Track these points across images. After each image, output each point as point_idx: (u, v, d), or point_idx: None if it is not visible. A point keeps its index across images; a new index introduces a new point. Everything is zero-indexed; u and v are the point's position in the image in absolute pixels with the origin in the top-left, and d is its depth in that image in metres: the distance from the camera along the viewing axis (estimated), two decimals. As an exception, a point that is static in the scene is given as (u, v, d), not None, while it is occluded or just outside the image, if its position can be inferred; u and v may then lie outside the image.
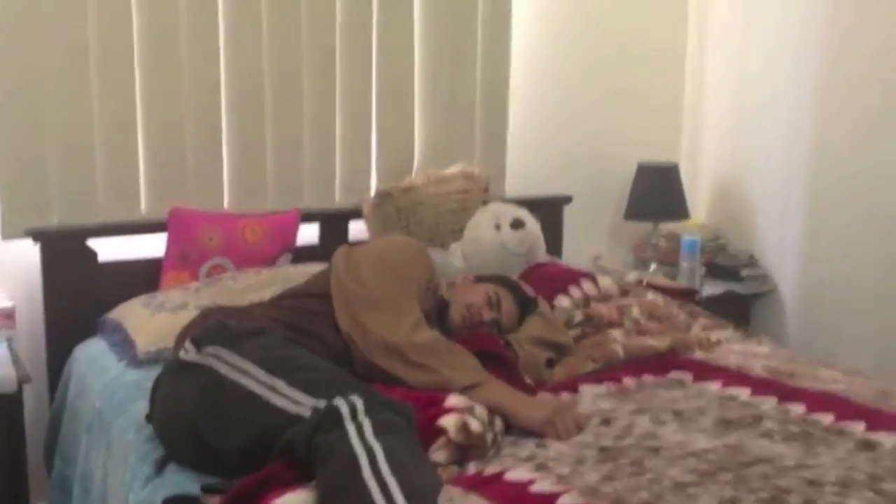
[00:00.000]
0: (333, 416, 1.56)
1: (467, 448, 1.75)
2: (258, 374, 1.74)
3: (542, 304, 2.42)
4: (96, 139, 2.73)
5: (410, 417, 1.66)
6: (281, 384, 1.71)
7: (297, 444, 1.57)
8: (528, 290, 2.41)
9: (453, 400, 1.82)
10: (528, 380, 2.11)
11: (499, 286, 2.33)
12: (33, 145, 2.65)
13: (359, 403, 1.58)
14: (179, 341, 2.02)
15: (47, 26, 2.63)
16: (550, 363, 2.28)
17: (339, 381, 1.73)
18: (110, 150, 2.76)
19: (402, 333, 1.99)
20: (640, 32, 3.65)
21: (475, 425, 1.77)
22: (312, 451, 1.55)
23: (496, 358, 2.09)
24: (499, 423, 1.86)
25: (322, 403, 1.62)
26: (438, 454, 1.73)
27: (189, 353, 1.87)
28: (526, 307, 2.35)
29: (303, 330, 2.03)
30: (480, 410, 1.82)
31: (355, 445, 1.51)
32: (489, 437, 1.80)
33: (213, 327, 1.93)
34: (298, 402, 1.67)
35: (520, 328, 2.31)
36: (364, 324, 2.02)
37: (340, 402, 1.58)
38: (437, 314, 2.25)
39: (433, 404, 1.81)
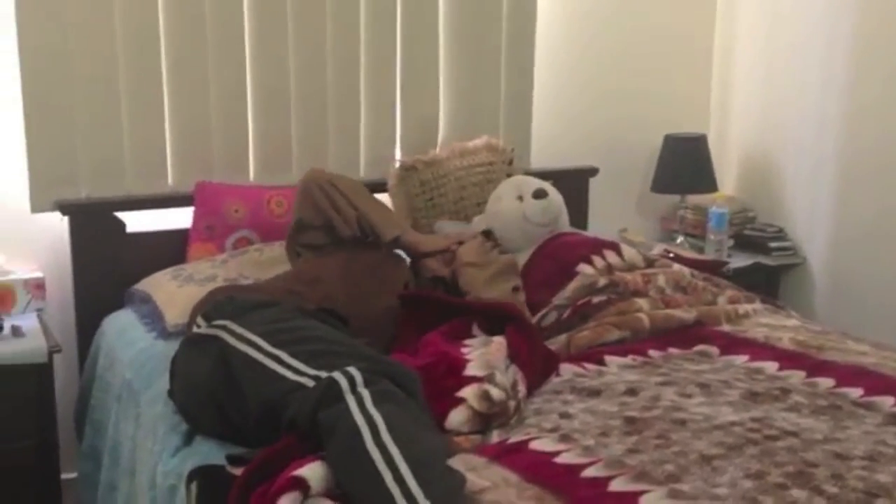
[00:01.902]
0: (333, 390, 1.56)
1: (489, 416, 1.75)
2: (263, 344, 1.75)
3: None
4: (123, 114, 2.75)
5: (414, 385, 1.65)
6: (284, 355, 1.71)
7: (300, 421, 1.58)
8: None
9: (473, 369, 1.81)
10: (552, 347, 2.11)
11: None
12: (61, 120, 2.67)
13: (357, 376, 1.58)
14: (192, 318, 2.05)
15: (74, 4, 2.63)
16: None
17: (342, 350, 1.73)
18: (137, 125, 2.77)
19: None
20: (668, 2, 3.60)
21: (496, 393, 1.76)
22: (316, 428, 1.55)
23: (517, 322, 2.07)
24: (521, 390, 1.86)
25: (323, 374, 1.62)
26: (460, 423, 1.72)
27: (201, 328, 1.90)
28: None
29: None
30: (501, 378, 1.81)
31: (356, 417, 1.50)
32: (511, 404, 1.79)
33: (222, 301, 1.97)
34: (301, 372, 1.67)
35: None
36: None
37: (339, 376, 1.58)
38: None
39: (453, 374, 1.80)
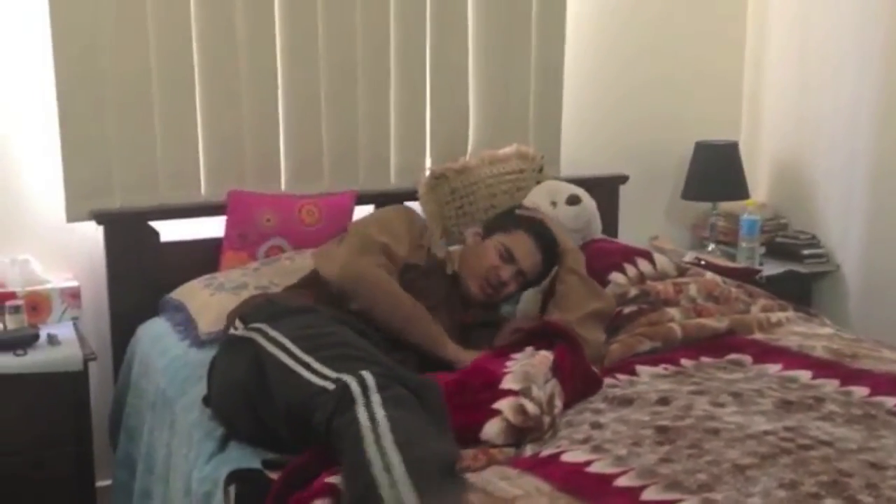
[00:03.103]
0: (346, 396, 1.57)
1: (524, 430, 1.75)
2: (294, 349, 1.77)
3: (573, 255, 2.38)
4: (157, 124, 2.78)
5: (431, 392, 1.64)
6: (312, 360, 1.73)
7: (320, 431, 1.58)
8: (555, 229, 2.44)
9: (510, 383, 1.82)
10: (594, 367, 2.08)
11: (507, 232, 2.34)
12: (96, 131, 2.70)
13: (370, 380, 1.58)
14: (229, 322, 2.09)
15: (108, 15, 2.67)
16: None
17: (365, 356, 1.73)
18: (170, 135, 2.80)
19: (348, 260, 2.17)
20: (699, 8, 3.58)
21: (531, 407, 1.77)
22: (332, 437, 1.56)
23: (567, 340, 2.06)
24: (558, 406, 1.86)
25: (345, 377, 1.62)
26: (495, 434, 1.73)
27: (238, 330, 1.94)
28: (548, 243, 2.36)
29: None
30: (538, 392, 1.82)
31: (362, 421, 1.51)
32: (546, 419, 1.80)
33: (260, 304, 2.03)
34: (325, 377, 1.68)
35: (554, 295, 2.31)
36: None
37: (350, 380, 1.58)
38: (451, 288, 2.30)
39: (490, 387, 1.81)
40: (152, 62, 2.75)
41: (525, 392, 1.80)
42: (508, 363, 1.93)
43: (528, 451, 1.74)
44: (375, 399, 1.54)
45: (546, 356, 1.97)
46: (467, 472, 1.62)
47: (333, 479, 1.51)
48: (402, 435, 1.47)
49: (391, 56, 3.05)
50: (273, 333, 1.83)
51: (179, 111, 2.81)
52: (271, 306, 1.99)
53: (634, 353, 2.23)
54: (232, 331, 1.99)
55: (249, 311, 2.00)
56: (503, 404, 1.76)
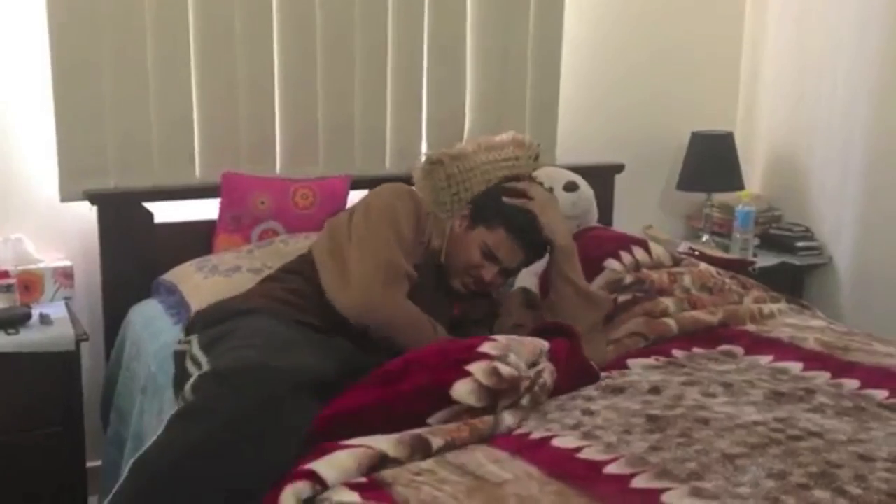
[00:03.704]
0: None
1: (498, 392, 1.73)
2: (201, 359, 1.82)
3: (565, 255, 2.23)
4: (152, 105, 2.77)
5: (258, 398, 1.59)
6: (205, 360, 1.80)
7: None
8: (549, 215, 2.24)
9: (487, 348, 1.80)
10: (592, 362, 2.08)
11: (490, 228, 2.19)
12: (91, 111, 2.69)
13: (193, 379, 1.66)
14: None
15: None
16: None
17: (241, 345, 1.76)
18: (166, 116, 2.79)
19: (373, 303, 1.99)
20: (697, -1, 3.59)
21: (506, 370, 1.75)
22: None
23: (561, 332, 2.05)
24: (546, 380, 1.84)
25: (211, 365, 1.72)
26: (465, 393, 1.70)
27: (180, 343, 2.02)
28: (532, 239, 2.22)
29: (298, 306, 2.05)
30: (515, 360, 1.80)
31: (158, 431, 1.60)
32: (523, 384, 1.78)
33: (202, 311, 2.07)
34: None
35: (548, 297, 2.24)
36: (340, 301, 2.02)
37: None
38: (439, 281, 2.22)
39: (467, 350, 1.79)
40: (148, 42, 2.73)
41: (501, 358, 1.78)
42: (497, 336, 1.92)
43: (509, 419, 1.73)
44: (179, 403, 1.65)
45: (539, 341, 1.96)
46: (452, 447, 1.62)
47: (312, 465, 1.51)
48: (158, 453, 1.55)
49: (388, 40, 3.04)
50: (194, 350, 1.87)
51: (175, 92, 2.79)
52: (211, 312, 2.02)
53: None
54: (176, 345, 2.04)
55: (192, 320, 2.05)
56: (476, 366, 1.74)
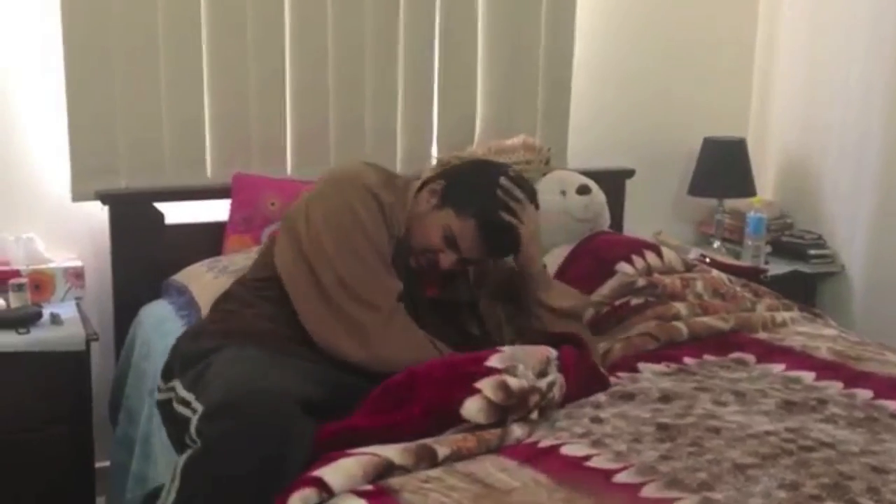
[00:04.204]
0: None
1: (507, 408, 1.72)
2: (189, 399, 1.77)
3: (539, 281, 2.11)
4: (164, 106, 2.77)
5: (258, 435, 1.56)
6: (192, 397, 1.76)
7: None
8: (526, 221, 2.06)
9: (495, 362, 1.77)
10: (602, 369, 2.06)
11: (459, 214, 2.00)
12: (103, 111, 2.70)
13: (194, 423, 1.64)
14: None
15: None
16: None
17: (228, 372, 1.72)
18: (177, 117, 2.79)
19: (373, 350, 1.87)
20: (710, 4, 3.56)
21: (514, 383, 1.73)
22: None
23: (577, 342, 2.03)
24: (555, 394, 1.83)
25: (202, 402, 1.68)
26: (475, 411, 1.69)
27: (161, 391, 1.94)
28: (501, 242, 2.06)
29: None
30: (524, 372, 1.78)
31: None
32: (533, 399, 1.76)
33: (176, 353, 1.95)
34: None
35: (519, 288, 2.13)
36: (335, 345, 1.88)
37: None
38: (403, 255, 2.03)
39: (474, 363, 1.78)
40: (160, 44, 2.74)
41: (509, 370, 1.76)
42: (503, 348, 1.89)
43: (518, 431, 1.72)
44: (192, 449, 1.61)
45: (546, 349, 1.94)
46: (458, 456, 1.61)
47: (319, 472, 1.51)
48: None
49: (400, 43, 3.04)
50: (182, 393, 1.80)
51: (186, 94, 2.80)
52: (179, 357, 1.92)
53: (637, 353, 2.22)
54: (156, 394, 1.96)
55: (168, 363, 1.94)
56: (484, 382, 1.72)
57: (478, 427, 1.69)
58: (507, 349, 1.86)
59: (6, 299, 2.52)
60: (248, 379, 1.66)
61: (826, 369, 2.11)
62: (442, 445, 1.62)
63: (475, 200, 2.03)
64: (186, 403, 1.76)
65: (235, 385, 1.64)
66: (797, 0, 3.54)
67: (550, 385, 1.83)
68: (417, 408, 1.68)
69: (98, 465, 2.60)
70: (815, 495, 1.50)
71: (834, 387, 2.01)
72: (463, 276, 2.17)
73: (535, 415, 1.77)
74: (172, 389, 1.85)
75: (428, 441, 1.63)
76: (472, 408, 1.69)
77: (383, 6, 2.99)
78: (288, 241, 1.97)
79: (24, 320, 2.45)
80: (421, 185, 2.12)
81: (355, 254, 1.90)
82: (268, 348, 1.83)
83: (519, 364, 1.79)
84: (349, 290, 1.87)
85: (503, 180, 2.06)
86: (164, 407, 1.89)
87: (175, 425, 1.81)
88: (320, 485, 1.49)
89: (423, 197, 2.07)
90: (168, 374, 1.92)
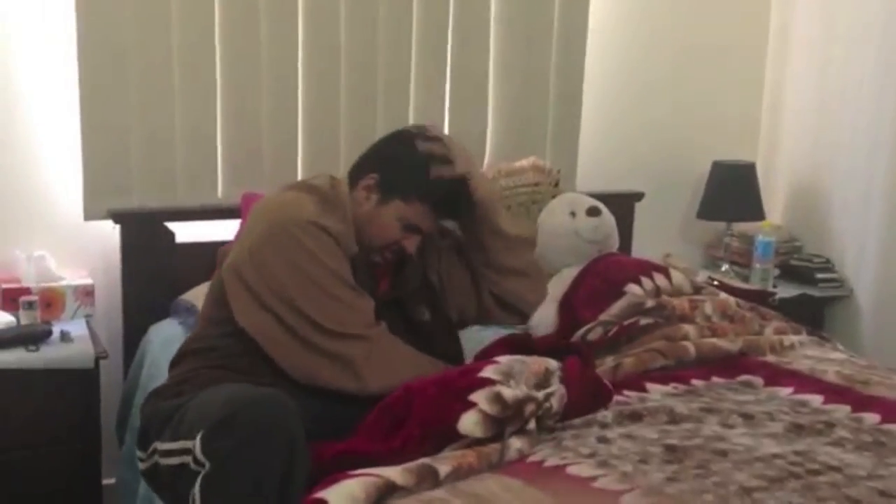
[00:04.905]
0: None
1: (503, 420, 1.71)
2: (176, 446, 1.72)
3: (489, 205, 2.12)
4: (177, 126, 2.80)
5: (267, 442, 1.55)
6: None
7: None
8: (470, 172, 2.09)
9: (489, 373, 1.77)
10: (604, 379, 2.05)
11: (406, 201, 2.00)
12: (116, 131, 2.73)
13: (198, 444, 1.59)
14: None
15: (131, 16, 2.70)
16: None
17: (209, 407, 1.65)
18: (190, 137, 2.82)
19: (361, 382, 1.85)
20: (719, 27, 3.58)
21: (508, 393, 1.73)
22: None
23: (580, 354, 2.03)
24: (554, 405, 1.82)
25: (189, 444, 1.62)
26: (472, 425, 1.69)
27: (143, 459, 1.86)
28: (454, 208, 2.09)
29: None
30: (516, 383, 1.77)
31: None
32: (528, 408, 1.75)
33: (144, 427, 1.89)
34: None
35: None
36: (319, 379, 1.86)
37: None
38: (361, 268, 2.01)
39: (467, 375, 1.78)
40: (174, 65, 2.77)
41: (503, 381, 1.75)
42: (500, 358, 1.88)
43: (517, 444, 1.71)
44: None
45: (547, 361, 1.92)
46: (459, 473, 1.61)
47: (322, 494, 1.51)
48: None
49: (411, 66, 3.07)
50: (165, 446, 1.74)
51: (199, 114, 2.83)
52: (152, 420, 1.85)
53: (646, 370, 2.21)
54: (138, 462, 1.89)
55: (144, 428, 1.88)
56: (479, 395, 1.72)
57: (476, 442, 1.69)
58: (503, 359, 1.86)
59: (17, 316, 2.54)
60: (241, 393, 1.64)
61: (834, 393, 2.10)
62: (442, 464, 1.62)
63: (413, 180, 2.02)
64: (177, 453, 1.69)
65: (231, 400, 1.61)
66: (807, 22, 3.56)
67: (548, 395, 1.82)
68: (416, 429, 1.69)
69: (105, 482, 2.61)
70: (822, 519, 1.49)
71: (842, 410, 2.01)
72: (410, 260, 2.12)
73: (532, 425, 1.76)
74: (155, 452, 1.78)
75: (428, 460, 1.63)
76: (468, 422, 1.69)
77: (395, 28, 3.02)
78: (246, 296, 1.88)
79: (34, 338, 2.47)
80: (350, 181, 2.08)
81: (324, 292, 1.87)
82: (245, 380, 1.80)
83: (514, 376, 1.79)
84: (327, 332, 1.85)
85: (419, 143, 2.06)
86: (151, 474, 1.83)
87: (170, 486, 1.75)
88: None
89: (360, 196, 2.04)
90: (144, 441, 1.85)
